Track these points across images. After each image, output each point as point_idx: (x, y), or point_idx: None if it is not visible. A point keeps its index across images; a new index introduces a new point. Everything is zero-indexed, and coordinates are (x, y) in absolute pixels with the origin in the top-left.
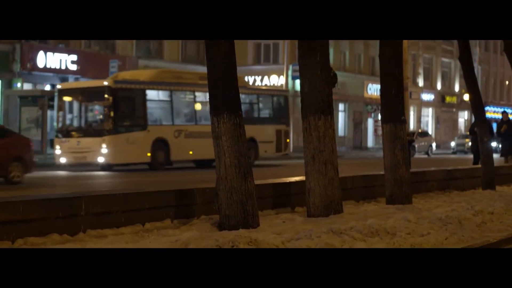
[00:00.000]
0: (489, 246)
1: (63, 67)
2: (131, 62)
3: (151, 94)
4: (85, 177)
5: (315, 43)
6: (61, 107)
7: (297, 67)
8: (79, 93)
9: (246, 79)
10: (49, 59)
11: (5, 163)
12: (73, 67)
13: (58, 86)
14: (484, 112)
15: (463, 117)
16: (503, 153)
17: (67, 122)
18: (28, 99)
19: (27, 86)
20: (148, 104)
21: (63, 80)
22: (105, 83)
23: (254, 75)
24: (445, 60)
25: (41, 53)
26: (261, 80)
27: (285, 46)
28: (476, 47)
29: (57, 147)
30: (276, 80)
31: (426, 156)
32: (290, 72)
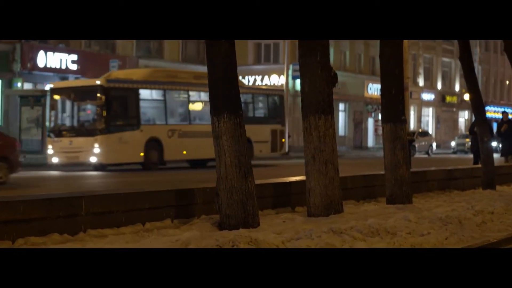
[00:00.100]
0: (489, 246)
1: (63, 67)
2: (131, 62)
3: (144, 93)
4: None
5: (315, 43)
6: (53, 107)
7: (297, 67)
8: (71, 92)
9: (246, 78)
10: (49, 58)
11: None
12: (73, 67)
13: (50, 85)
14: (484, 112)
15: (464, 117)
16: (503, 153)
17: (59, 121)
18: (28, 98)
19: (28, 86)
20: (141, 104)
21: (64, 80)
22: (98, 82)
23: (255, 75)
24: (446, 59)
25: (41, 53)
26: (262, 80)
27: (286, 46)
28: (477, 47)
29: (50, 147)
30: (276, 80)
31: (426, 155)
32: (290, 72)
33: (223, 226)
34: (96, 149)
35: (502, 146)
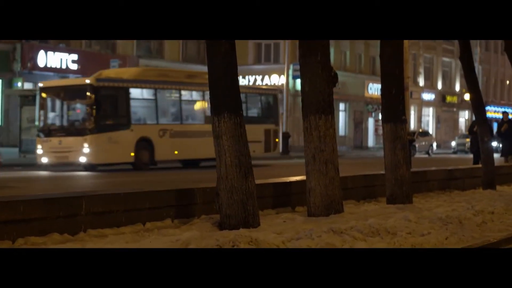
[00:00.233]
0: (490, 246)
1: (64, 67)
2: (131, 61)
3: (135, 92)
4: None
5: (316, 43)
6: (42, 106)
7: (297, 67)
8: (61, 91)
9: (246, 78)
10: (50, 58)
11: None
12: (74, 67)
13: (40, 84)
14: (484, 111)
15: (464, 116)
16: (503, 153)
17: (49, 121)
18: (28, 98)
19: (28, 86)
20: (132, 103)
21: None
22: (87, 81)
23: (255, 74)
24: (446, 59)
25: (41, 53)
26: (262, 80)
27: (286, 46)
28: (477, 47)
29: (39, 146)
30: (276, 80)
31: (426, 155)
32: (290, 72)
33: (223, 226)
34: (86, 149)
35: (502, 146)
